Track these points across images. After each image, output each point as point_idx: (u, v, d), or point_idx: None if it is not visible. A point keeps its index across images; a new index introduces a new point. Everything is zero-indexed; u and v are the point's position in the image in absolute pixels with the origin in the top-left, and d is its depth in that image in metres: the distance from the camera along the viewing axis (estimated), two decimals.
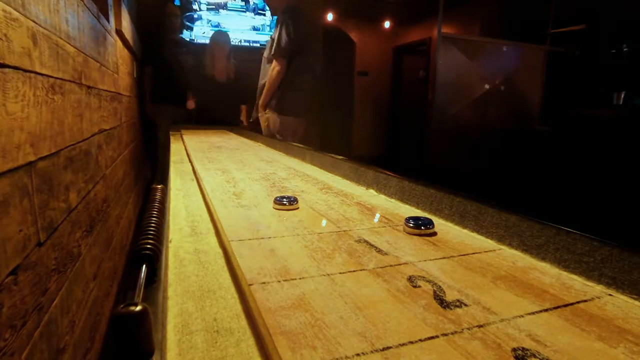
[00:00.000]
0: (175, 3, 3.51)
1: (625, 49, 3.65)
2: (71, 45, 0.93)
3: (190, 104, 3.25)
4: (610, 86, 3.60)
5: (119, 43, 1.85)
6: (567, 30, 3.99)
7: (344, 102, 5.80)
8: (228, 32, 3.42)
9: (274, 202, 0.78)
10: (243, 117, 3.37)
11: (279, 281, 0.45)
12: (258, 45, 4.12)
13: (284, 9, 2.44)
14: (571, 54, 4.00)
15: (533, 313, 0.40)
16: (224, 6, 3.99)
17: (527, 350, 0.33)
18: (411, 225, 0.64)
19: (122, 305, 0.31)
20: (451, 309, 0.40)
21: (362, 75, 6.03)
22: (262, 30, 4.16)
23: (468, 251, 0.57)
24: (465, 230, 0.69)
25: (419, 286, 0.45)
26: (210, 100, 3.15)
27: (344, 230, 0.65)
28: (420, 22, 5.50)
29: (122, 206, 1.73)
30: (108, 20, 1.53)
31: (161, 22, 3.33)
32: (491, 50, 3.77)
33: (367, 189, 1.01)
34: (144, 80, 3.11)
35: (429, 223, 0.65)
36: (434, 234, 0.65)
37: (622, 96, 3.50)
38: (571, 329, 0.37)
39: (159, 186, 0.77)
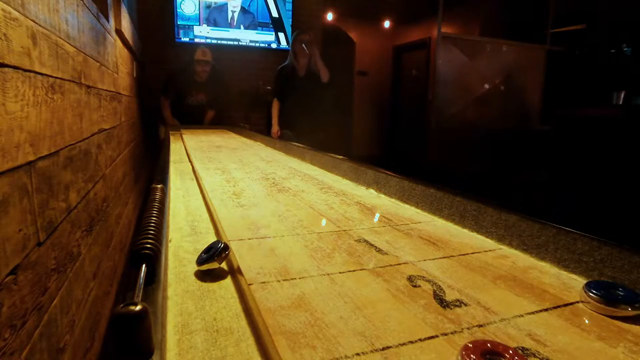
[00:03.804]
0: (205, 47, 3.28)
1: (625, 49, 3.65)
2: (71, 45, 0.93)
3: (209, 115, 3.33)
4: (610, 86, 3.60)
5: (119, 43, 1.85)
6: (567, 30, 4.00)
7: (343, 101, 5.80)
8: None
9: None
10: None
11: (279, 281, 0.45)
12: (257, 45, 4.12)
13: None
14: (571, 53, 4.00)
15: (533, 313, 0.40)
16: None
17: (527, 349, 0.33)
18: (597, 297, 0.40)
19: (121, 305, 0.31)
20: (451, 308, 0.40)
21: (361, 75, 6.02)
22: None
23: (468, 251, 0.57)
24: (465, 230, 0.69)
25: (419, 286, 0.45)
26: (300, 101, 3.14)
27: (344, 230, 0.65)
28: (420, 21, 5.50)
29: (122, 206, 1.73)
30: (108, 20, 1.53)
31: (188, 67, 3.24)
32: (491, 49, 3.77)
33: (367, 188, 1.01)
34: (164, 108, 3.20)
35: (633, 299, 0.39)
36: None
37: (622, 96, 3.51)
38: (571, 328, 0.37)
39: (159, 186, 0.77)
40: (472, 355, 0.31)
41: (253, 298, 0.41)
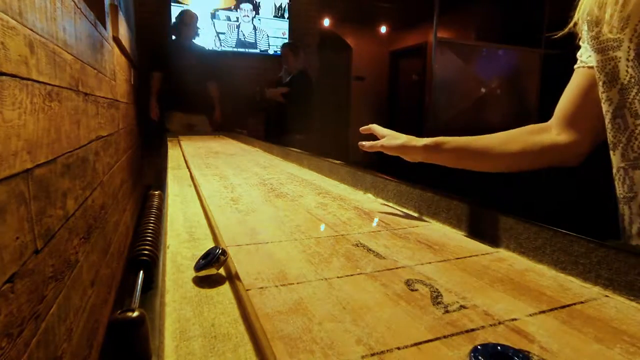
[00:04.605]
0: (190, 10, 3.38)
1: None
2: (68, 53, 0.94)
3: (154, 113, 3.21)
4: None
5: (116, 50, 1.85)
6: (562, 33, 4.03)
7: (340, 106, 5.82)
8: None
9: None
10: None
11: (277, 286, 0.45)
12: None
13: None
14: (566, 56, 4.04)
15: (531, 315, 0.40)
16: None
17: (525, 352, 0.33)
18: None
19: (119, 312, 0.31)
20: (449, 311, 0.40)
21: (358, 80, 6.05)
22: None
23: (465, 254, 0.57)
24: (462, 233, 0.69)
25: (417, 289, 0.45)
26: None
27: (342, 235, 0.65)
28: (416, 26, 5.54)
29: (120, 212, 1.72)
30: (105, 28, 1.54)
31: (176, 29, 3.32)
32: (487, 53, 3.79)
33: (364, 193, 1.01)
34: (152, 85, 3.13)
35: None
36: None
37: None
38: (568, 330, 0.37)
39: (157, 192, 0.77)
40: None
41: (251, 303, 0.41)
